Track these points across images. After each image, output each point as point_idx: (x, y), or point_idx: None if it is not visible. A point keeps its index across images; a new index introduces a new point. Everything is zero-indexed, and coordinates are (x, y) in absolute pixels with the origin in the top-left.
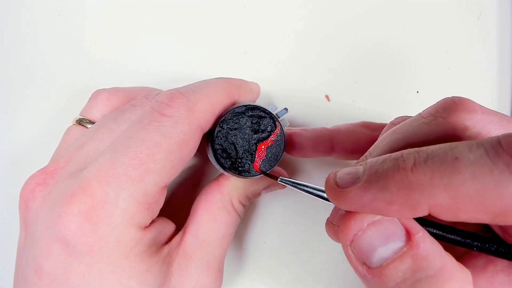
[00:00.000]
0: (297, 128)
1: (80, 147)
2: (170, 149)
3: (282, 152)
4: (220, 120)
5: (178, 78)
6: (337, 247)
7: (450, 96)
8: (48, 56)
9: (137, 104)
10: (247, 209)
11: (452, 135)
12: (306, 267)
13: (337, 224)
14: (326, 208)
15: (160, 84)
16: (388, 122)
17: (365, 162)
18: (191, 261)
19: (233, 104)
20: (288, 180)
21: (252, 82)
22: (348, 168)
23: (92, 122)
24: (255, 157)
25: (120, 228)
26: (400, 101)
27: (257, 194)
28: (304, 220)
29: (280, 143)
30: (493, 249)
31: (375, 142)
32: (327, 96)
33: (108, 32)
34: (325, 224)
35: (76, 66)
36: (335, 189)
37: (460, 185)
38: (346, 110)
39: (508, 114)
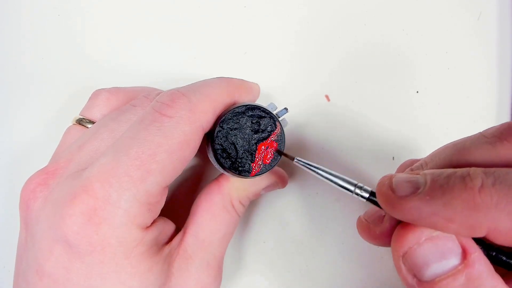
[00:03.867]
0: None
1: (81, 147)
2: (172, 150)
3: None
4: (220, 120)
5: (178, 78)
6: (337, 247)
7: (451, 96)
8: (48, 56)
9: (137, 104)
10: (247, 209)
11: None
12: (306, 267)
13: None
14: (326, 208)
15: (160, 84)
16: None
17: (424, 173)
18: (191, 261)
19: (233, 104)
20: (305, 162)
21: (252, 82)
22: (406, 175)
23: (92, 122)
24: (255, 157)
25: (122, 228)
26: (400, 101)
27: (257, 194)
28: (304, 220)
29: (280, 143)
30: None
31: (432, 152)
32: (327, 96)
33: (108, 32)
34: (357, 222)
35: (75, 66)
36: (391, 196)
37: None
38: (346, 110)
39: (508, 114)
